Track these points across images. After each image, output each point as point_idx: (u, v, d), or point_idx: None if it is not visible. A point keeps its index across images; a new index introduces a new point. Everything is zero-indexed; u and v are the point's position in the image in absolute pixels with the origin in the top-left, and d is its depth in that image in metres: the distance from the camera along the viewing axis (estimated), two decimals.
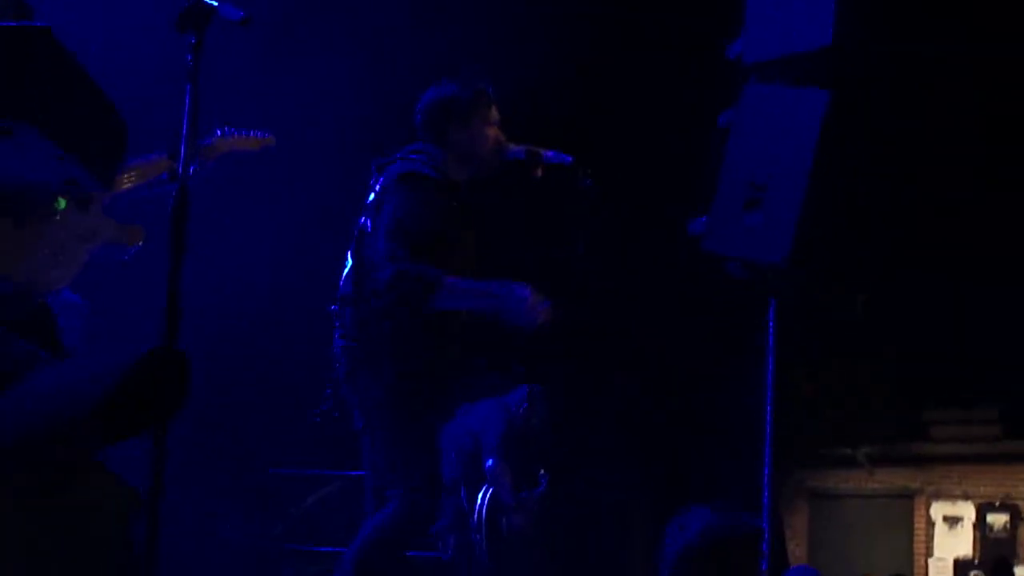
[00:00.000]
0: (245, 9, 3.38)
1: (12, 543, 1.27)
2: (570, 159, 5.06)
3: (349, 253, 5.12)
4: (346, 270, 5.11)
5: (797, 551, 15.86)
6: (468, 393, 5.47)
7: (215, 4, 3.36)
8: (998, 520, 16.11)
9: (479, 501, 6.80)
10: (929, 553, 16.23)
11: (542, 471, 7.10)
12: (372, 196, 5.07)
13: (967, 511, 16.42)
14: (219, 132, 5.25)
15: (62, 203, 3.80)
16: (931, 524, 16.28)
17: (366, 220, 5.06)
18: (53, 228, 3.72)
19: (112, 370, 1.43)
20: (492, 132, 5.13)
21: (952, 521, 16.16)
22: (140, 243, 4.34)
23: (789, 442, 5.57)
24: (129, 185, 4.67)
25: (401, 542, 4.92)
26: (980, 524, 16.13)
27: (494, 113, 5.17)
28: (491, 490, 6.81)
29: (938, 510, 16.43)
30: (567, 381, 7.52)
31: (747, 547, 3.96)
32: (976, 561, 15.97)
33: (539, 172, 5.06)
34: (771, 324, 5.09)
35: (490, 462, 6.94)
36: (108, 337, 7.19)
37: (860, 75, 4.89)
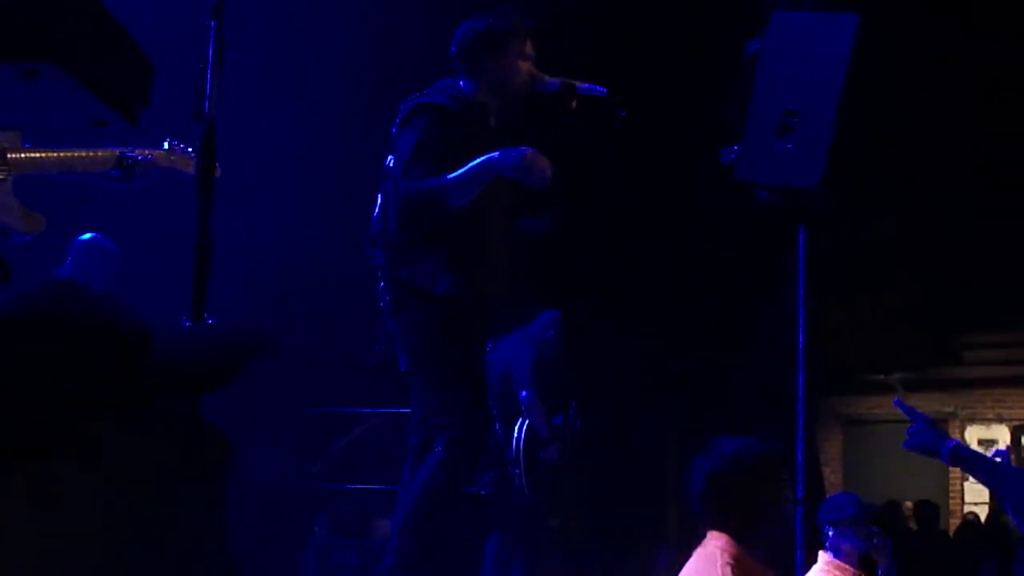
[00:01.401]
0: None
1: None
2: (604, 90, 5.05)
3: (379, 194, 5.15)
4: (376, 209, 5.14)
5: (832, 477, 15.91)
6: (495, 326, 5.49)
7: None
8: None
9: (515, 434, 6.84)
10: (965, 476, 16.26)
11: (572, 401, 7.13)
12: (393, 130, 5.10)
13: (1002, 433, 16.42)
14: (165, 145, 5.12)
15: None
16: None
17: (389, 156, 5.09)
18: None
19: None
20: (525, 65, 5.12)
21: (987, 444, 16.18)
22: (38, 232, 4.24)
23: (822, 369, 5.56)
24: (61, 170, 4.52)
25: (455, 483, 4.94)
26: (1015, 446, 16.14)
27: (529, 47, 5.15)
28: (526, 422, 6.85)
29: (973, 433, 16.43)
30: (595, 313, 7.52)
31: (775, 469, 3.98)
32: None
33: (574, 104, 5.05)
34: (802, 250, 5.08)
35: (524, 394, 6.97)
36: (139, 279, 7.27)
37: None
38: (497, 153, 4.84)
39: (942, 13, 5.17)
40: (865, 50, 4.69)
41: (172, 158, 5.05)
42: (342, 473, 8.71)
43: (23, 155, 4.06)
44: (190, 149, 5.12)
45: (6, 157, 3.90)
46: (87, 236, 7.31)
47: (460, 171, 4.82)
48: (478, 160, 4.84)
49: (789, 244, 5.11)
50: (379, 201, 5.13)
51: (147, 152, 4.83)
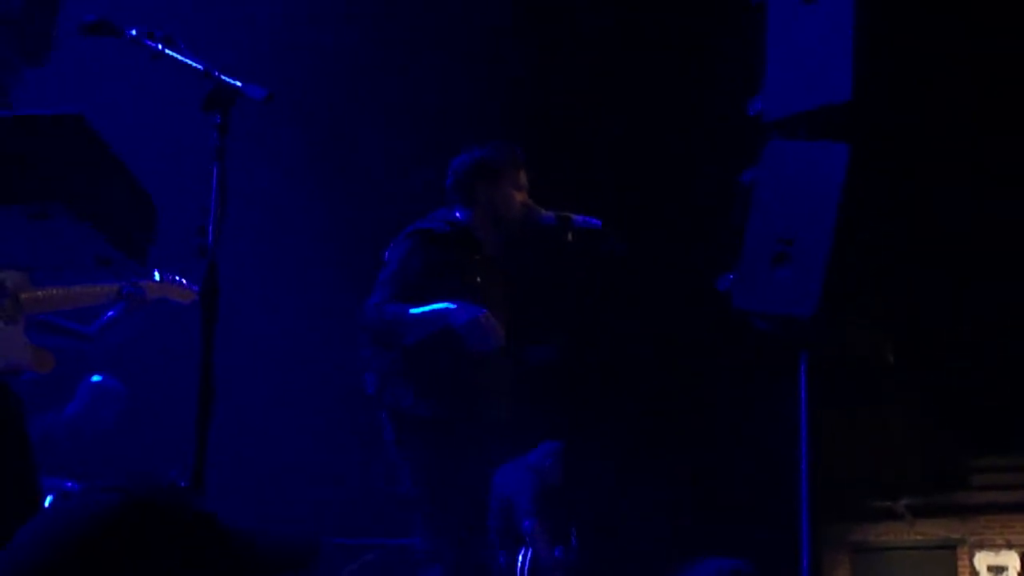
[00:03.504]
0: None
1: None
2: (599, 223, 5.12)
3: None
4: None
5: None
6: (492, 453, 5.52)
7: (239, 85, 3.44)
8: None
9: (519, 563, 6.82)
10: None
11: (572, 528, 7.12)
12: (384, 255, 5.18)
13: (1011, 560, 16.26)
14: (156, 275, 5.05)
15: None
16: (975, 575, 16.13)
17: None
18: None
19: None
20: (520, 196, 5.21)
21: (996, 571, 15.99)
22: (48, 370, 4.21)
23: (827, 496, 5.54)
24: (69, 306, 4.51)
25: None
26: None
27: (523, 177, 5.25)
28: (530, 551, 6.83)
29: (982, 560, 16.27)
30: (595, 438, 7.52)
31: None
32: None
33: (570, 237, 5.12)
34: (803, 377, 5.10)
35: (527, 523, 6.96)
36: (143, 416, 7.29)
37: (880, 127, 4.92)
38: (455, 305, 4.89)
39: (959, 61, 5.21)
40: (859, 176, 4.75)
41: (163, 289, 5.01)
42: None
43: (35, 295, 4.10)
44: (179, 278, 5.12)
45: (19, 298, 3.94)
46: (96, 378, 7.41)
47: (418, 311, 4.89)
48: (435, 307, 4.90)
49: (788, 371, 5.14)
50: None
51: (140, 284, 4.83)
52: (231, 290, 3.75)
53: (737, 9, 5.32)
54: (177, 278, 5.10)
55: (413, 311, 4.89)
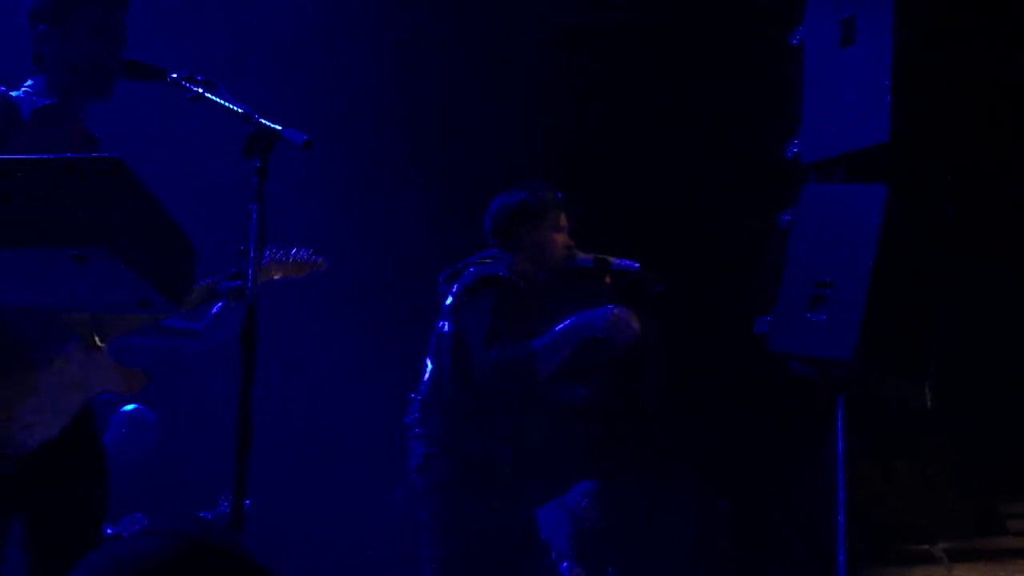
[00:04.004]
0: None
1: None
2: (637, 265, 5.12)
3: (427, 358, 5.19)
4: (427, 374, 5.18)
5: None
6: (533, 495, 5.50)
7: (279, 129, 3.46)
8: None
9: None
10: None
11: (610, 570, 7.09)
12: (450, 299, 5.15)
13: None
14: (267, 254, 4.88)
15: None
16: None
17: (443, 323, 5.14)
18: (48, 376, 3.78)
19: None
20: (561, 238, 5.21)
21: None
22: (140, 389, 4.18)
23: (863, 539, 5.51)
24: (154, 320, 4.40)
25: None
26: None
27: (563, 220, 5.25)
28: None
29: None
30: (631, 479, 7.50)
31: None
32: None
33: (608, 279, 5.12)
34: (840, 421, 5.07)
35: (564, 565, 6.93)
36: (181, 447, 7.31)
37: (918, 168, 4.91)
38: (586, 314, 4.90)
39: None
40: (896, 219, 4.73)
41: (268, 271, 4.81)
42: None
43: (120, 316, 4.07)
44: (294, 251, 4.95)
45: (101, 323, 3.95)
46: (129, 407, 7.40)
47: (547, 337, 4.89)
48: (564, 324, 4.90)
49: (825, 414, 5.11)
50: (429, 367, 5.17)
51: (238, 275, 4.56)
52: (272, 321, 3.76)
53: (775, 51, 5.33)
54: (293, 252, 4.94)
55: (537, 343, 4.90)
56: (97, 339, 3.93)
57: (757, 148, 5.76)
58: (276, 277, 4.82)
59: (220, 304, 4.60)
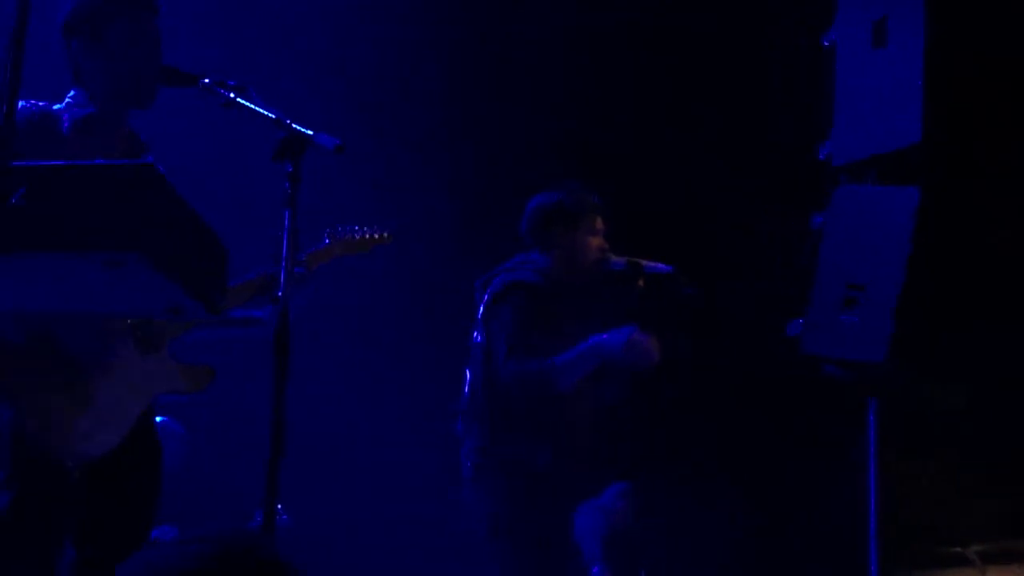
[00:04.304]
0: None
1: None
2: (670, 268, 5.13)
3: (467, 369, 5.22)
4: (467, 385, 5.20)
5: None
6: (572, 497, 5.51)
7: (310, 134, 3.46)
8: None
9: None
10: None
11: (642, 572, 7.06)
12: (481, 309, 5.17)
13: None
14: (326, 236, 4.85)
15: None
16: None
17: (476, 334, 5.17)
18: (109, 382, 3.79)
19: None
20: (596, 241, 5.23)
21: None
22: (205, 387, 4.19)
23: (896, 541, 5.50)
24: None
25: None
26: None
27: (599, 223, 5.26)
28: None
29: None
30: (666, 480, 7.49)
31: None
32: None
33: (641, 283, 5.13)
34: (872, 424, 5.06)
35: (595, 570, 6.91)
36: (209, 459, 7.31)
37: (952, 169, 4.88)
38: (604, 336, 4.91)
39: None
40: (930, 220, 4.71)
41: (331, 252, 4.76)
42: None
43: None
44: (357, 228, 4.88)
45: (155, 325, 3.94)
46: (156, 419, 7.38)
47: (567, 355, 4.91)
48: (584, 345, 4.91)
49: (861, 415, 5.10)
50: (468, 377, 5.20)
51: (300, 260, 4.55)
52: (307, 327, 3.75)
53: (807, 52, 5.31)
54: (356, 228, 4.90)
55: (558, 360, 4.92)
56: (153, 341, 3.93)
57: (789, 150, 5.74)
58: (339, 254, 4.75)
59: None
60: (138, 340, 3.88)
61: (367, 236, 4.87)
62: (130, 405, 3.86)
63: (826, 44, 5.19)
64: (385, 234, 4.91)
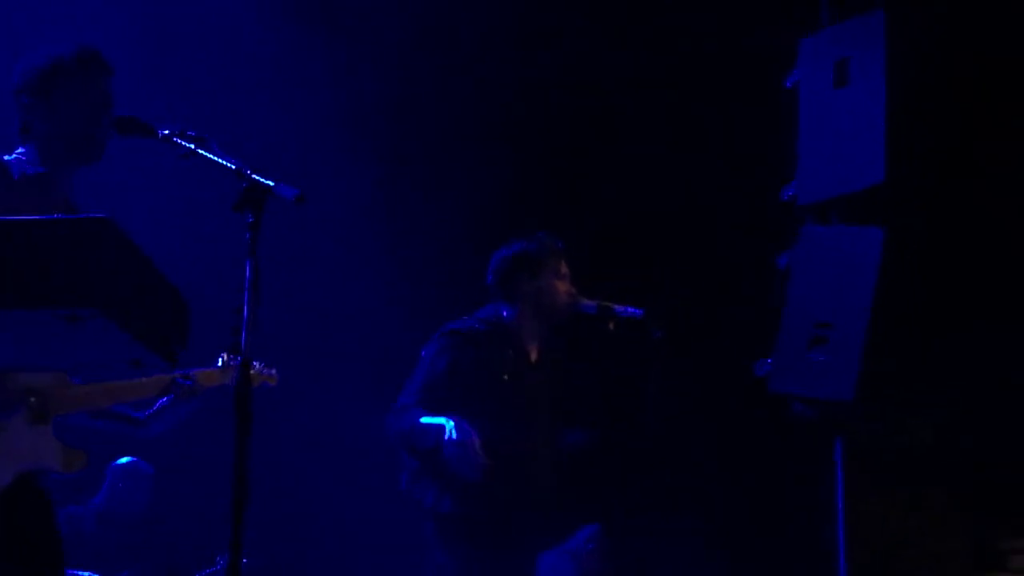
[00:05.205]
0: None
1: None
2: (641, 312, 5.13)
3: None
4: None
5: None
6: (532, 545, 5.48)
7: (271, 184, 3.44)
8: None
9: None
10: None
11: None
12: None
13: None
14: (219, 362, 4.65)
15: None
16: None
17: None
18: None
19: None
20: (562, 286, 5.22)
21: None
22: (80, 469, 4.03)
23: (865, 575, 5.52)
24: (111, 402, 4.27)
25: None
26: None
27: (564, 268, 5.26)
28: None
29: None
30: (636, 523, 7.47)
31: None
32: None
33: (611, 325, 5.12)
34: (839, 461, 5.07)
35: None
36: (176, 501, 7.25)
37: (916, 208, 4.89)
38: (452, 423, 4.89)
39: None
40: (895, 260, 4.71)
41: (226, 375, 4.65)
42: None
43: (74, 392, 4.02)
44: (257, 364, 4.79)
45: (49, 399, 3.89)
46: (124, 460, 7.31)
47: (424, 422, 4.90)
48: (436, 421, 4.90)
49: (829, 453, 5.10)
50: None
51: (192, 375, 4.50)
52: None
53: (770, 94, 5.32)
54: (255, 365, 4.75)
55: (423, 421, 4.93)
56: (44, 413, 3.87)
57: (757, 189, 5.74)
58: (227, 382, 4.66)
59: (168, 397, 4.49)
60: (30, 409, 3.83)
61: (257, 371, 4.77)
62: (5, 467, 3.80)
63: (789, 85, 5.20)
64: (272, 373, 4.82)
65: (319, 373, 7.59)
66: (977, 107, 4.89)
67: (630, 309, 5.17)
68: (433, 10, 7.88)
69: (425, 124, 7.95)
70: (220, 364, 4.60)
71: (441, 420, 4.90)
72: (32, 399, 3.79)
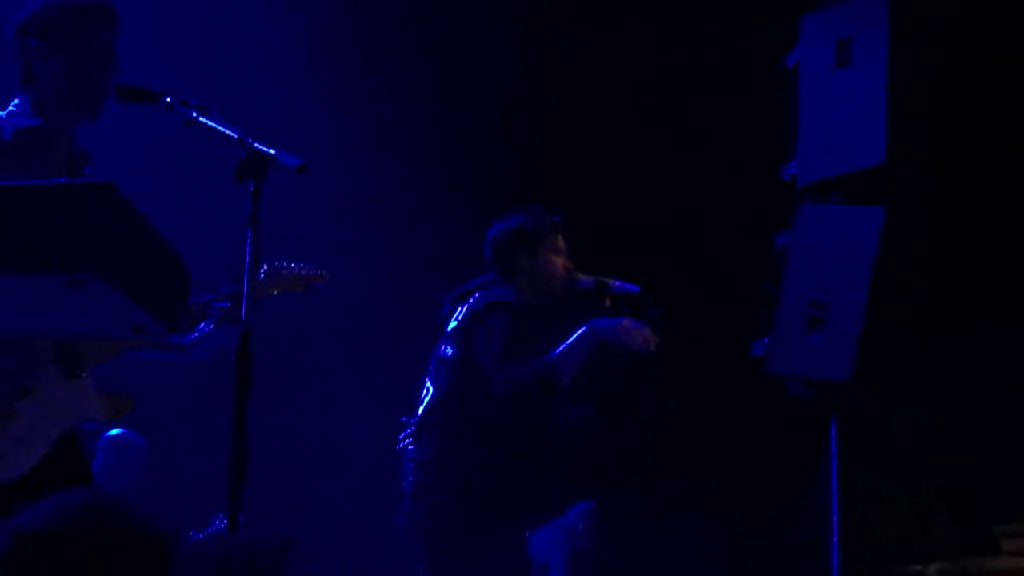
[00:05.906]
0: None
1: None
2: (638, 288, 5.13)
3: (428, 381, 5.18)
4: (427, 398, 5.15)
5: None
6: (532, 517, 5.48)
7: (273, 153, 3.43)
8: None
9: None
10: None
11: None
12: (454, 324, 5.13)
13: None
14: (264, 269, 4.61)
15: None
16: None
17: (446, 348, 5.13)
18: (28, 404, 3.70)
19: None
20: (560, 261, 5.22)
21: None
22: (126, 413, 4.05)
23: (858, 559, 5.52)
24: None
25: None
26: None
27: (561, 243, 5.25)
28: None
29: None
30: (630, 500, 7.48)
31: None
32: None
33: (608, 302, 5.12)
34: (835, 443, 5.07)
35: None
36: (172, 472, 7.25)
37: (916, 190, 4.88)
38: (598, 322, 4.89)
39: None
40: (894, 240, 4.71)
41: (264, 288, 4.54)
42: None
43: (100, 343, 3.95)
44: (292, 265, 4.71)
45: (79, 351, 3.83)
46: (115, 431, 7.29)
47: (561, 348, 4.88)
48: (576, 334, 4.89)
49: (822, 433, 5.10)
50: (431, 389, 5.15)
51: (229, 296, 4.30)
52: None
53: (771, 72, 5.31)
54: (293, 266, 4.66)
55: (549, 357, 4.89)
56: (76, 367, 3.84)
57: (756, 169, 5.74)
58: (275, 293, 4.63)
59: (210, 323, 4.47)
60: (61, 364, 3.79)
61: (303, 274, 4.70)
62: (48, 429, 3.77)
63: (790, 65, 5.19)
64: (321, 272, 4.74)
65: (318, 366, 7.61)
66: (981, 88, 4.88)
67: (628, 285, 5.17)
68: (433, 10, 7.88)
69: (424, 124, 7.94)
70: (262, 277, 4.50)
71: (569, 340, 4.91)
72: (60, 355, 3.74)
